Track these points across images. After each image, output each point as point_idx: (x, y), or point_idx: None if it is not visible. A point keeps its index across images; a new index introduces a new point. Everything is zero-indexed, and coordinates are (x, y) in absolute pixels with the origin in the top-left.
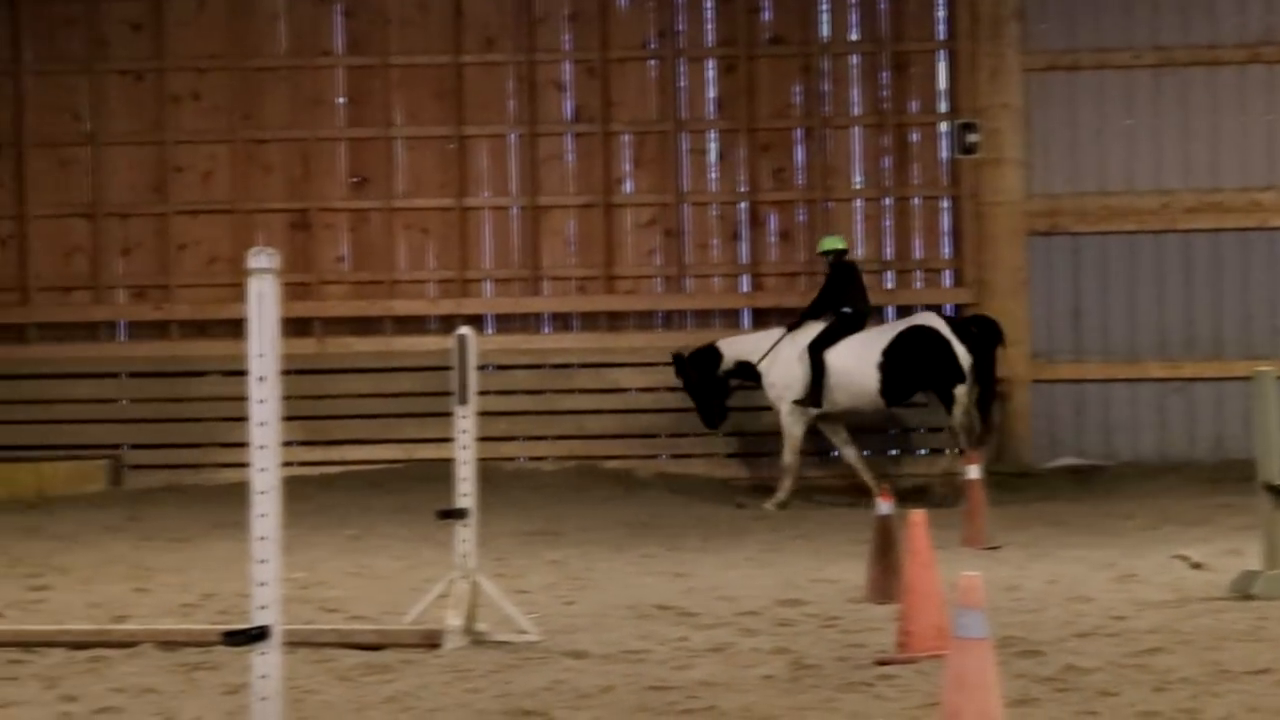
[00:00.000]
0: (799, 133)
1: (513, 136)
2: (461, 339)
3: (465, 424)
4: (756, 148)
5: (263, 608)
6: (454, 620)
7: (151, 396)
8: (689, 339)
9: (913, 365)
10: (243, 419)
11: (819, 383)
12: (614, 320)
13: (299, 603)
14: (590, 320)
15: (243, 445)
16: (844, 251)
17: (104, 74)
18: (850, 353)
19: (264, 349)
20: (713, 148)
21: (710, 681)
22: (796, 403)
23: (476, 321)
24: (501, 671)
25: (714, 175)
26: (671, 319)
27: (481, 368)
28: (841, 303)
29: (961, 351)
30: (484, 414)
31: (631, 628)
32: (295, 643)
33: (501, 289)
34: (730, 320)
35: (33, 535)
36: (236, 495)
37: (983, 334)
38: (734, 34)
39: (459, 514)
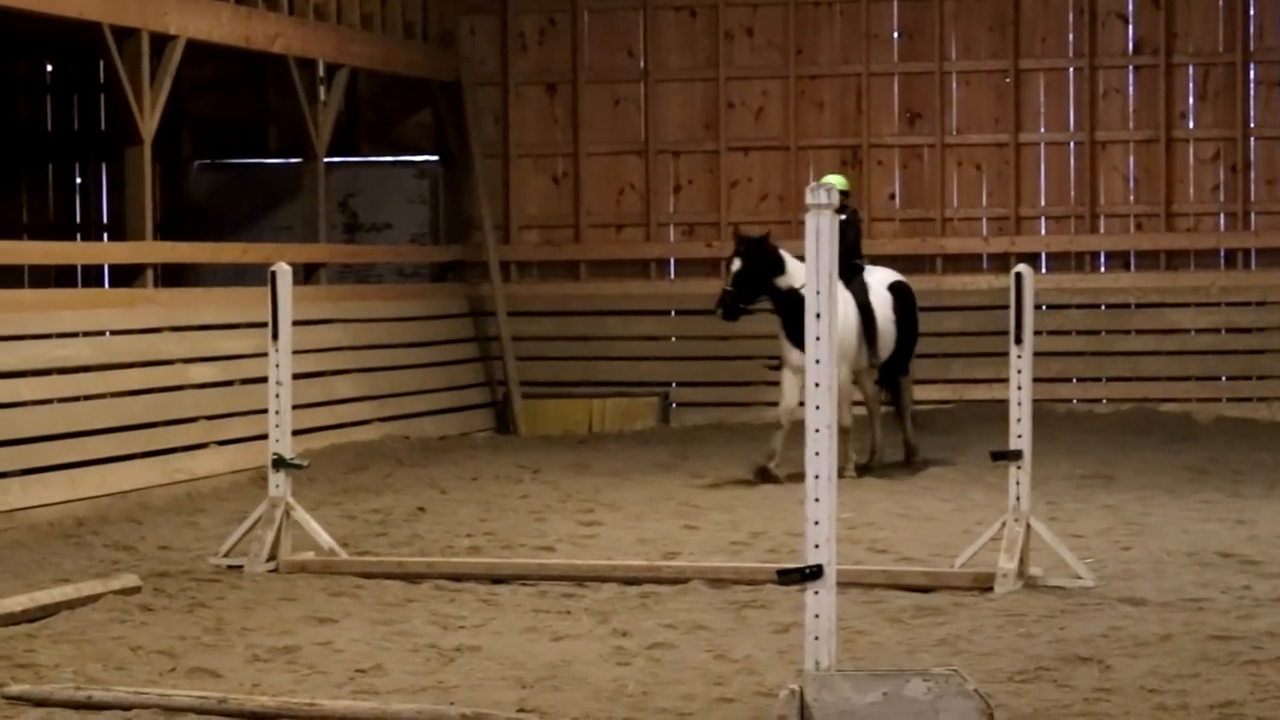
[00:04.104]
0: None
1: (1071, 70)
2: (1019, 277)
3: (1021, 364)
4: None
5: (816, 547)
6: (1007, 563)
7: (700, 334)
8: (1253, 280)
9: (909, 321)
10: None
11: (874, 336)
12: (1172, 259)
13: (848, 543)
14: (1148, 259)
15: None
16: (849, 194)
17: (659, 10)
18: (876, 307)
19: (820, 286)
20: None
21: (1276, 632)
22: (872, 363)
23: (1030, 260)
24: (1055, 616)
25: None
26: (1234, 258)
27: (1035, 307)
28: (857, 254)
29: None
30: (1037, 354)
31: (1191, 575)
32: (845, 583)
33: (1056, 227)
34: None
35: (584, 471)
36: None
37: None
38: None
39: (1013, 455)
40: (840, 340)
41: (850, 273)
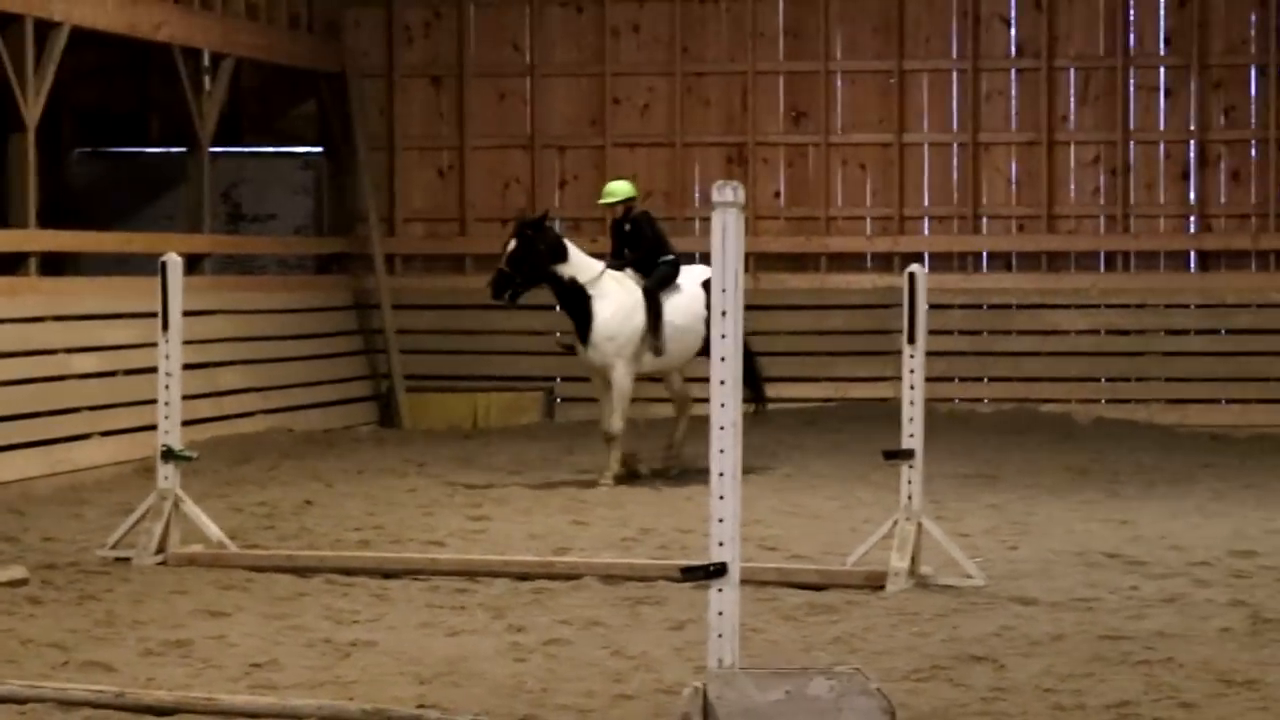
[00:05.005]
0: (1253, 70)
1: (954, 71)
2: (912, 276)
3: (914, 364)
4: (1208, 85)
5: (720, 544)
6: (899, 562)
7: None
8: (1132, 282)
9: None
10: None
11: (659, 329)
12: (1054, 260)
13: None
14: (1030, 260)
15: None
16: (634, 199)
17: (545, 4)
18: (677, 305)
19: (727, 283)
20: (1161, 84)
21: (1165, 632)
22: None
23: (913, 260)
24: (948, 615)
25: (1162, 113)
26: (1114, 260)
27: None
28: (663, 251)
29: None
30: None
31: (1079, 575)
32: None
33: (939, 227)
34: (1176, 262)
35: (470, 465)
36: (659, 430)
37: None
38: None
39: (905, 455)
40: (614, 335)
41: (654, 270)
